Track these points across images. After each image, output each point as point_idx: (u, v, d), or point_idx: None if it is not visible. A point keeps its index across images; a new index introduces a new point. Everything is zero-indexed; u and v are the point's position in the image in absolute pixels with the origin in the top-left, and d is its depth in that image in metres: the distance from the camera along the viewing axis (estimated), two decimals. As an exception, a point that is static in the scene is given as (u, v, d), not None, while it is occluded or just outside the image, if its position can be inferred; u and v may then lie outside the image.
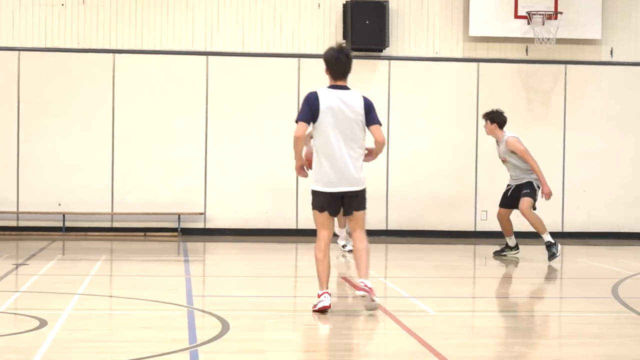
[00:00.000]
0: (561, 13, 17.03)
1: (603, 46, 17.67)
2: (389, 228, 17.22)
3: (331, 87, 9.63)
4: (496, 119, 14.15)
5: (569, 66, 17.61)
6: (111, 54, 16.97)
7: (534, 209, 14.02)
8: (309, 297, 10.85)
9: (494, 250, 14.79)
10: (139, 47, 16.98)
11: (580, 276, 13.27)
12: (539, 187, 14.02)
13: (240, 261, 14.52)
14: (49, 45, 16.89)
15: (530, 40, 17.19)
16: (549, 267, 13.68)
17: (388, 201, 17.20)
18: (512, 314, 9.95)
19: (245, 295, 10.85)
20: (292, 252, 15.72)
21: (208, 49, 16.92)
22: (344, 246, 14.56)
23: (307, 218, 17.17)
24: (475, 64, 17.28)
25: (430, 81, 17.36)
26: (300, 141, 9.53)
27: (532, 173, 13.99)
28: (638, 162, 17.69)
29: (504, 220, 14.42)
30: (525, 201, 13.95)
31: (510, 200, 14.28)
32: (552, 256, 13.93)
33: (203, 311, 9.40)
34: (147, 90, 16.98)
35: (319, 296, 9.48)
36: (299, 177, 17.11)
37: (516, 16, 17.14)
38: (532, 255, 14.62)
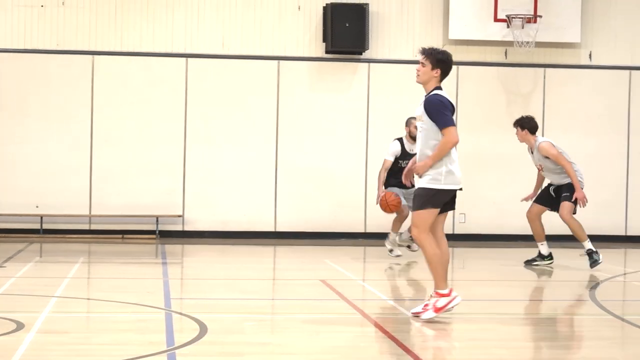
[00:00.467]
0: (540, 16, 17.09)
1: (582, 49, 17.73)
2: (368, 231, 17.21)
3: (439, 88, 9.55)
4: (526, 125, 13.54)
5: (548, 69, 17.67)
6: (90, 56, 16.92)
7: (574, 213, 13.41)
8: (288, 299, 10.85)
9: (524, 260, 14.07)
10: (118, 49, 16.93)
11: (555, 279, 13.30)
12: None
13: (218, 263, 14.48)
14: (28, 47, 16.83)
15: (509, 43, 17.24)
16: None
17: (367, 204, 17.18)
18: (491, 317, 9.96)
19: (224, 297, 10.82)
20: (271, 255, 15.70)
21: (187, 51, 16.88)
22: (391, 251, 14.44)
23: (285, 220, 17.17)
24: (454, 67, 17.23)
25: (410, 84, 17.29)
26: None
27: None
28: (618, 164, 17.74)
29: (535, 220, 13.67)
30: (565, 205, 13.33)
31: (549, 198, 13.63)
32: (594, 263, 13.33)
33: (181, 314, 9.36)
34: (126, 92, 16.93)
35: (447, 295, 9.30)
36: (278, 179, 17.20)
37: (496, 19, 17.18)
38: (512, 257, 14.64)
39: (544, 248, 13.79)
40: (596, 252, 13.38)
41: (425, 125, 9.39)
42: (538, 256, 13.83)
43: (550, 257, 13.77)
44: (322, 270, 13.33)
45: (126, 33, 16.94)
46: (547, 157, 13.46)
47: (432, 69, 9.47)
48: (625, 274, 13.46)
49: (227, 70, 16.97)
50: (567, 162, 13.35)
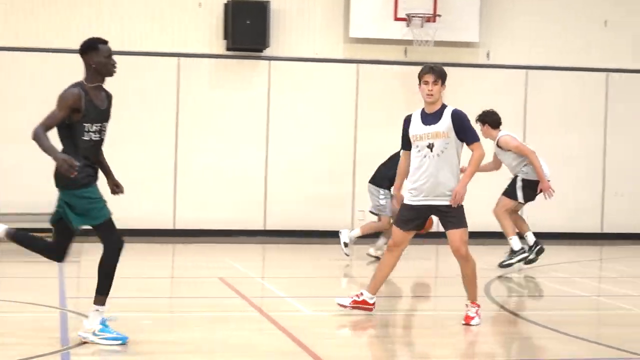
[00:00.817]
0: (440, 16, 17.26)
1: (480, 49, 17.97)
2: (267, 228, 17.21)
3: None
4: (487, 119, 13.47)
5: (447, 68, 17.73)
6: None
7: (523, 202, 13.24)
8: (186, 297, 10.83)
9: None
10: (14, 44, 16.64)
11: (454, 275, 13.45)
12: (529, 183, 13.19)
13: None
14: None
15: (409, 42, 17.37)
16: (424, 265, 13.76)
17: (267, 202, 17.19)
18: (388, 313, 10.05)
19: (121, 296, 10.71)
20: (170, 253, 15.60)
21: (86, 47, 16.64)
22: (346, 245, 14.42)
23: (185, 218, 17.06)
24: (354, 65, 17.40)
25: (311, 82, 17.42)
26: None
27: (523, 167, 13.24)
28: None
29: (506, 215, 13.37)
30: (501, 200, 13.36)
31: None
32: (505, 263, 13.30)
33: (76, 313, 9.27)
34: (24, 89, 16.63)
35: (474, 307, 9.48)
36: (178, 178, 17.09)
37: (396, 18, 17.30)
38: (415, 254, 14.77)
39: (526, 241, 13.52)
40: (517, 252, 13.27)
41: (450, 143, 9.34)
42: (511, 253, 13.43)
43: (522, 251, 13.38)
44: (221, 268, 13.30)
45: (23, 27, 16.65)
46: (508, 151, 13.34)
47: (442, 85, 9.45)
48: (520, 270, 13.65)
49: (127, 67, 16.75)
50: (529, 151, 13.17)
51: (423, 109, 9.55)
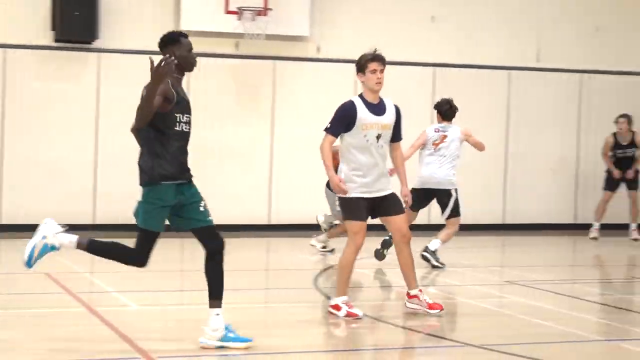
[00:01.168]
0: (271, 9, 17.33)
1: (310, 43, 18.13)
2: (97, 222, 16.97)
3: None
4: (436, 108, 13.60)
5: (279, 62, 17.96)
6: None
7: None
8: (10, 294, 10.66)
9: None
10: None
11: (285, 267, 13.60)
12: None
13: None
14: None
15: (240, 35, 17.41)
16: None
17: (96, 195, 16.95)
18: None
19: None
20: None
21: None
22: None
23: (10, 212, 16.69)
24: (188, 58, 17.28)
25: (141, 75, 17.15)
26: None
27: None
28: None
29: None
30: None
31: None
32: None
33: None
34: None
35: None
36: (4, 169, 16.69)
37: (227, 11, 17.30)
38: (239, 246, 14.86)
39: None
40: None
41: (389, 136, 9.39)
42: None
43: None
44: (46, 263, 13.04)
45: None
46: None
47: None
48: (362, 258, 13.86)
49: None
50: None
51: (364, 98, 9.46)
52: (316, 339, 8.81)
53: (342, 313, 9.26)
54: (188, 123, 7.92)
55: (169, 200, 7.75)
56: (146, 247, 7.85)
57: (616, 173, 17.37)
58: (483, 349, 8.16)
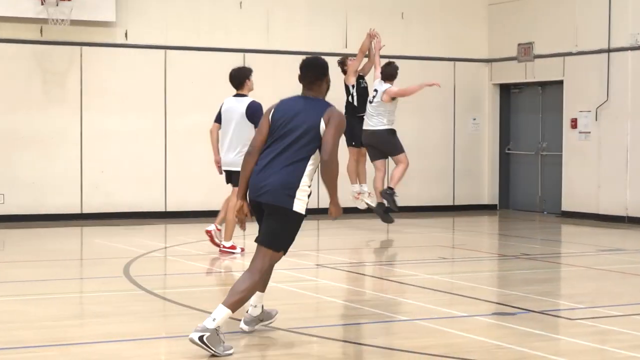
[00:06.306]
0: (75, -5, 17.05)
1: (118, 28, 17.89)
2: None
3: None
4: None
5: (85, 47, 17.66)
6: None
7: None
8: None
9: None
10: None
11: (95, 257, 13.45)
12: None
13: None
14: None
15: (44, 21, 17.03)
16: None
17: None
18: (17, 299, 9.90)
19: None
20: None
21: None
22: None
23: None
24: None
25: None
26: None
27: None
28: (153, 141, 18.06)
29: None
30: None
31: None
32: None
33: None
34: None
35: None
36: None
37: (30, -5, 16.92)
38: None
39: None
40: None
41: None
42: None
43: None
44: None
45: None
46: None
47: None
48: (166, 247, 13.81)
49: None
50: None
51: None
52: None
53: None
54: None
55: None
56: None
57: None
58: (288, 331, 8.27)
